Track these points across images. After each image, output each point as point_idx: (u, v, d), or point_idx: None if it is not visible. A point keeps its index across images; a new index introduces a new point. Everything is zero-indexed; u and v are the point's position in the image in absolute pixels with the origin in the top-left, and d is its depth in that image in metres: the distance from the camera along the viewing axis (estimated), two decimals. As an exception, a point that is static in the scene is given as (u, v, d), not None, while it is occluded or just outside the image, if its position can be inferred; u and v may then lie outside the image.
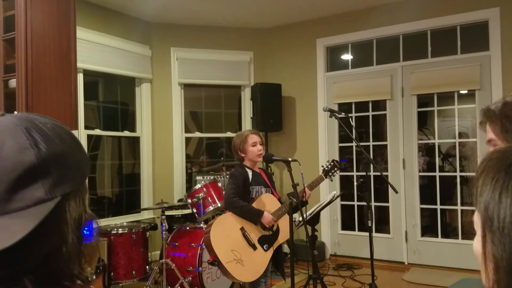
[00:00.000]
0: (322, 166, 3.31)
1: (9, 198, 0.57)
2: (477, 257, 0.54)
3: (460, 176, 4.91)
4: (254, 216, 2.92)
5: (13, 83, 3.12)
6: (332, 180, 3.47)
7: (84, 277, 0.67)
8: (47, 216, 0.59)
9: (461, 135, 5.06)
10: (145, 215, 5.39)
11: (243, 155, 3.05)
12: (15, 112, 3.00)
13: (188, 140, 5.87)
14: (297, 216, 3.20)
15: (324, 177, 3.23)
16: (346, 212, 5.54)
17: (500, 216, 0.49)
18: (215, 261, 2.84)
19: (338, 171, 3.32)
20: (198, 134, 5.97)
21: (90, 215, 0.70)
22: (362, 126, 5.55)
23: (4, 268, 0.57)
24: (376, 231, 5.20)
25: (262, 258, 2.93)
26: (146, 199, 5.48)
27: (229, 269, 2.80)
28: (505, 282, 0.49)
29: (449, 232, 5.10)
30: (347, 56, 5.61)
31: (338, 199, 5.35)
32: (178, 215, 4.59)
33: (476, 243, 0.54)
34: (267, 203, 3.02)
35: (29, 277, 0.59)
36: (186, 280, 3.69)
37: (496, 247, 0.49)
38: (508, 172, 0.52)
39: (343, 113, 3.91)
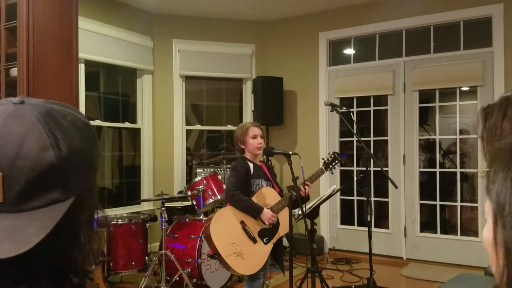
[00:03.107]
0: (323, 159, 3.31)
1: (24, 198, 0.57)
2: (486, 245, 0.56)
3: (460, 173, 4.91)
4: (253, 212, 2.92)
5: (14, 72, 3.11)
6: (332, 173, 3.47)
7: (93, 276, 0.67)
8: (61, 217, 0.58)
9: (462, 131, 5.06)
10: (145, 207, 5.40)
11: (243, 146, 3.05)
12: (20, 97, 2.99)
13: (188, 132, 5.87)
14: (296, 210, 3.20)
15: (324, 170, 3.22)
16: (346, 207, 5.55)
17: (511, 202, 0.51)
18: (215, 254, 2.85)
19: (338, 164, 3.31)
20: (199, 127, 5.97)
21: (100, 211, 0.69)
22: (363, 121, 5.54)
23: (15, 268, 0.57)
24: (375, 226, 5.21)
25: (262, 251, 2.93)
26: (146, 191, 5.49)
27: (229, 262, 2.80)
28: None
29: (448, 228, 5.12)
30: (349, 51, 5.59)
31: (338, 193, 5.36)
32: (178, 207, 4.60)
33: (486, 231, 0.56)
34: (267, 196, 3.02)
35: (40, 277, 0.59)
36: (185, 271, 3.70)
37: (507, 232, 0.51)
38: None
39: (344, 108, 3.91)
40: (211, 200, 4.06)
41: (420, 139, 5.09)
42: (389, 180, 3.67)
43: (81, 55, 4.12)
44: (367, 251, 3.77)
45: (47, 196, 0.58)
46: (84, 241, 0.63)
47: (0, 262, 0.54)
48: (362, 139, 4.41)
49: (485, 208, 0.57)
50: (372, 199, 5.20)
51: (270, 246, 2.97)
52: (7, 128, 0.57)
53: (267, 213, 2.92)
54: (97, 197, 0.68)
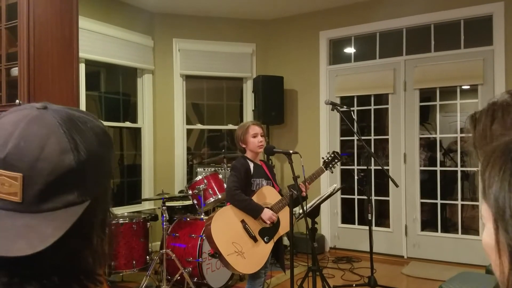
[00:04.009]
0: (323, 158, 3.31)
1: (42, 199, 0.58)
2: (487, 249, 0.55)
3: (461, 171, 4.91)
4: (254, 212, 2.92)
5: (15, 71, 3.11)
6: (332, 172, 3.47)
7: (103, 279, 0.68)
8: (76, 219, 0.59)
9: (462, 130, 5.05)
10: (146, 206, 5.40)
11: (244, 145, 3.05)
12: (23, 102, 3.00)
13: (189, 131, 5.87)
14: (297, 209, 3.20)
15: (324, 169, 3.23)
16: (346, 206, 5.55)
17: (511, 205, 0.50)
18: (216, 254, 2.85)
19: (338, 163, 3.31)
20: (199, 126, 5.97)
21: (113, 215, 0.70)
22: (364, 120, 5.54)
23: (25, 269, 0.58)
24: (376, 225, 5.21)
25: (262, 250, 2.94)
26: (147, 190, 5.49)
27: (230, 261, 2.81)
28: None
29: (449, 226, 5.12)
30: (350, 49, 5.58)
31: (339, 192, 5.36)
32: (179, 206, 4.60)
33: (486, 236, 0.54)
34: (268, 195, 3.02)
35: (50, 278, 0.60)
36: (186, 270, 3.71)
37: (510, 236, 0.50)
38: None
39: (345, 107, 3.91)
40: (212, 199, 4.06)
41: (420, 138, 5.09)
42: (389, 179, 3.67)
43: (82, 54, 4.12)
44: (368, 249, 3.77)
45: (65, 198, 0.59)
46: (96, 243, 0.65)
47: (12, 260, 0.55)
48: (362, 137, 4.41)
49: (483, 213, 0.56)
50: (373, 197, 5.20)
51: (270, 245, 2.98)
52: (30, 130, 0.60)
53: (267, 213, 2.92)
54: (110, 201, 0.69)
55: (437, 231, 4.97)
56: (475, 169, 4.95)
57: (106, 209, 0.68)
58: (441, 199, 4.95)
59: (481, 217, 0.60)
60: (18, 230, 0.57)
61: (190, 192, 4.13)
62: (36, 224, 0.57)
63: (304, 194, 2.98)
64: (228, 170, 4.47)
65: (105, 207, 0.67)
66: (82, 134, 0.62)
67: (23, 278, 0.58)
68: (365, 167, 5.12)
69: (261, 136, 3.05)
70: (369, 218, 3.80)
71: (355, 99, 5.44)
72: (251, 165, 3.03)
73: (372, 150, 5.22)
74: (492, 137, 0.84)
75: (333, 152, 3.32)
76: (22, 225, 0.57)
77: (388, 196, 5.22)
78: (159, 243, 4.49)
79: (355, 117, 5.09)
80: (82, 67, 4.66)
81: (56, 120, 0.61)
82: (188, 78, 5.81)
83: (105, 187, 0.66)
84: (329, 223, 5.54)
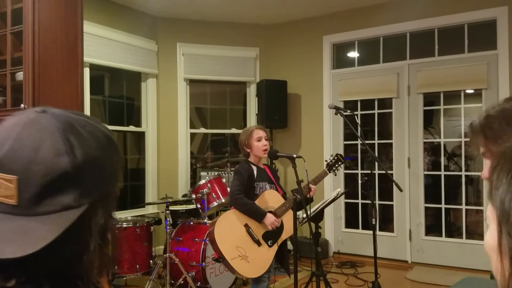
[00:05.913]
0: (326, 161, 3.30)
1: (37, 201, 0.58)
2: (489, 251, 0.54)
3: (465, 176, 4.89)
4: (257, 216, 2.92)
5: (20, 76, 3.13)
6: (336, 175, 3.46)
7: (104, 285, 0.67)
8: (72, 223, 0.58)
9: (467, 134, 5.03)
10: (149, 210, 5.40)
11: (248, 150, 3.05)
12: (28, 107, 3.01)
13: (193, 136, 5.88)
14: (301, 213, 3.20)
15: (328, 172, 3.22)
16: (350, 210, 5.53)
17: None
18: (220, 258, 2.85)
19: (342, 166, 3.30)
20: (203, 130, 5.98)
21: (115, 221, 0.69)
22: (367, 124, 5.53)
23: (20, 272, 0.57)
24: (380, 230, 5.19)
25: (266, 254, 2.93)
26: (151, 194, 5.50)
27: (234, 265, 2.80)
28: None
29: (453, 231, 5.09)
30: (353, 54, 5.59)
31: (342, 197, 5.34)
32: (182, 210, 4.60)
33: (489, 237, 0.54)
34: (271, 199, 3.02)
35: (46, 283, 0.59)
36: (190, 274, 3.70)
37: None
38: None
39: (348, 111, 3.91)
40: (215, 203, 4.06)
41: (424, 142, 5.08)
42: (393, 183, 3.66)
43: (86, 59, 4.14)
44: (372, 254, 3.75)
45: (60, 201, 0.59)
46: (94, 249, 0.63)
47: (7, 263, 0.54)
48: (366, 142, 4.40)
49: (487, 214, 0.55)
50: (377, 202, 5.19)
51: (274, 249, 2.97)
52: (25, 133, 0.60)
53: (270, 218, 2.91)
54: (114, 207, 0.68)
55: (441, 236, 4.94)
56: (479, 173, 4.93)
57: (108, 215, 0.66)
58: (445, 204, 4.93)
59: (485, 219, 0.60)
60: (11, 233, 0.56)
61: (193, 196, 4.13)
62: (30, 227, 0.57)
63: (309, 196, 2.98)
64: (231, 174, 4.47)
65: (106, 212, 0.65)
66: (79, 137, 0.61)
67: (19, 282, 0.57)
68: (369, 172, 5.10)
69: (265, 139, 3.05)
70: (373, 222, 3.78)
71: (359, 103, 5.44)
72: (255, 169, 3.03)
73: (376, 154, 5.20)
74: (504, 141, 0.83)
75: (337, 154, 3.31)
76: (16, 228, 0.57)
77: (392, 200, 5.20)
78: (162, 247, 4.49)
79: (358, 121, 5.08)
80: (86, 72, 4.67)
81: (53, 124, 0.61)
82: (191, 82, 5.83)
83: (105, 192, 0.64)
84: (333, 228, 5.53)
